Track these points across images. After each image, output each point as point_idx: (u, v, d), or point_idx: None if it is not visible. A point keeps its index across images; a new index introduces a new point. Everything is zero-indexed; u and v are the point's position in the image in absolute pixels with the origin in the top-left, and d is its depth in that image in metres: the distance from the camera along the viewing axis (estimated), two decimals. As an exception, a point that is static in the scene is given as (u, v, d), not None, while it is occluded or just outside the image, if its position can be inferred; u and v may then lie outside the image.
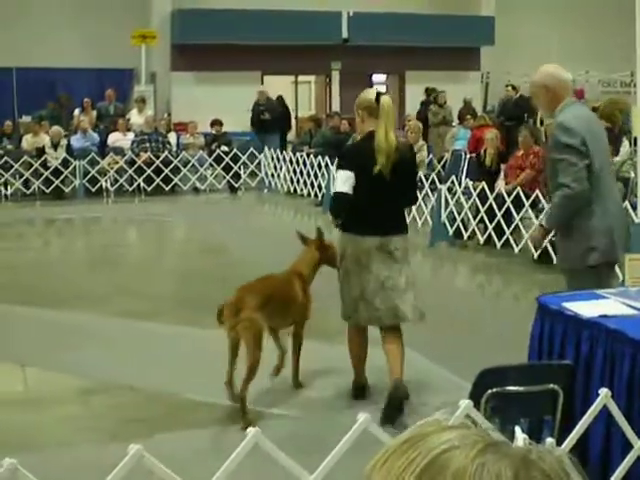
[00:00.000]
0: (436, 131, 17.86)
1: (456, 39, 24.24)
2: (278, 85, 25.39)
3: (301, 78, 26.61)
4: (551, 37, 23.00)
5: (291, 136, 24.57)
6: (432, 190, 12.45)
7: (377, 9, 23.43)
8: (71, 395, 5.93)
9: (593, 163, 4.99)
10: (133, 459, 3.09)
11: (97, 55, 21.97)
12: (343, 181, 5.33)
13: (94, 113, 18.74)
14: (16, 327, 7.55)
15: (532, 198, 10.47)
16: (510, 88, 19.55)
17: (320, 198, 14.97)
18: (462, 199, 11.66)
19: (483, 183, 11.27)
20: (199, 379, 6.12)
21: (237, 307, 5.45)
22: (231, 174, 17.17)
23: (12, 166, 16.19)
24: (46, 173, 16.09)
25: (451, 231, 11.59)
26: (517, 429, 3.06)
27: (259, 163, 17.54)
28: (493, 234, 11.05)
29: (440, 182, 12.50)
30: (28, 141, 16.87)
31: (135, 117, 18.12)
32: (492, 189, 11.17)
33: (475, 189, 11.34)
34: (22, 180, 16.35)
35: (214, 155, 17.24)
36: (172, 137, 18.15)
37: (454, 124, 17.99)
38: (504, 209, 10.79)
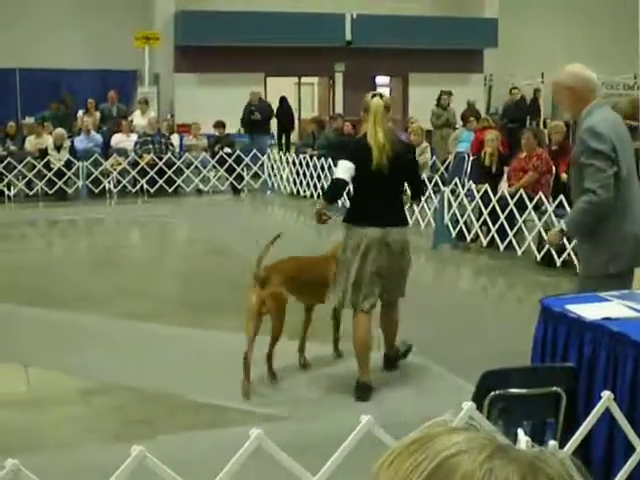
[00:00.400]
0: (439, 133, 17.86)
1: (459, 41, 24.25)
2: (281, 87, 25.41)
3: (304, 80, 26.63)
4: (554, 39, 23.04)
5: (294, 137, 24.60)
6: (435, 192, 12.45)
7: (380, 11, 23.46)
8: (74, 396, 5.93)
9: (621, 169, 4.88)
10: (136, 460, 3.09)
11: (100, 56, 22.01)
12: (343, 170, 5.77)
13: (97, 114, 18.76)
14: (19, 328, 7.56)
15: (535, 200, 10.47)
16: (516, 91, 19.55)
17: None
18: (465, 201, 11.66)
19: (486, 185, 11.27)
20: (202, 380, 6.12)
21: (265, 281, 6.03)
22: (234, 176, 17.18)
23: (15, 167, 16.21)
24: (49, 174, 16.10)
25: (454, 233, 11.59)
26: (520, 431, 3.06)
27: (262, 164, 17.55)
28: (496, 236, 11.05)
29: (443, 184, 12.49)
30: (31, 142, 16.89)
31: (138, 118, 18.14)
32: (495, 191, 11.16)
33: (478, 191, 11.34)
34: (25, 181, 16.37)
35: (217, 157, 17.25)
36: (175, 139, 18.17)
37: (457, 126, 17.99)
38: (507, 211, 10.79)
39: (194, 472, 4.48)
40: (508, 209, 10.76)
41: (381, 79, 26.18)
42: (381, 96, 5.87)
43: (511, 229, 10.77)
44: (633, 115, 11.06)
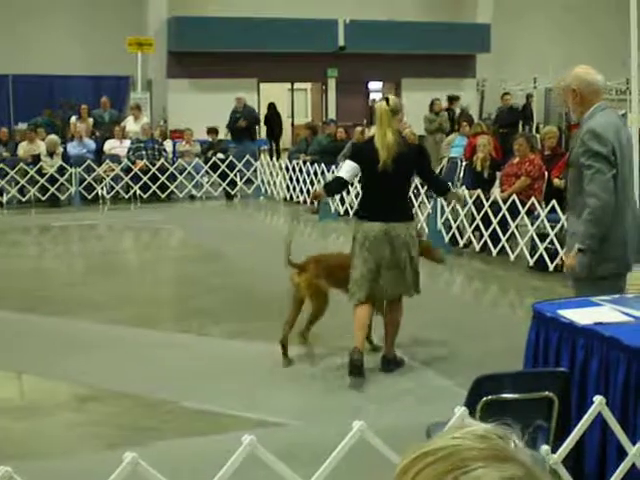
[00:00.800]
0: (432, 139, 17.89)
1: (452, 47, 24.31)
2: (274, 92, 25.44)
3: (297, 85, 26.66)
4: (547, 45, 23.10)
5: (286, 143, 24.61)
6: (428, 197, 12.47)
7: (373, 17, 23.50)
8: (68, 403, 5.92)
9: (618, 172, 4.91)
10: (128, 467, 3.09)
11: (93, 62, 22.01)
12: (346, 169, 6.29)
13: (90, 120, 18.74)
14: (12, 334, 7.54)
15: (527, 205, 10.49)
16: (508, 97, 19.59)
17: (316, 206, 14.98)
18: (458, 206, 11.68)
19: (479, 191, 11.29)
20: (196, 387, 6.12)
21: (303, 269, 6.67)
22: (227, 181, 17.18)
23: (8, 173, 16.19)
24: (42, 180, 16.09)
25: (447, 238, 11.61)
26: (513, 436, 3.06)
27: (255, 170, 17.55)
28: (489, 241, 11.07)
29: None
30: (24, 148, 16.86)
31: (131, 124, 18.13)
32: (488, 196, 11.19)
33: (471, 196, 11.35)
34: (18, 187, 16.34)
35: (210, 162, 17.25)
36: (168, 144, 18.16)
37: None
38: (500, 216, 10.81)
39: (187, 478, 4.48)
40: (501, 214, 10.78)
41: (374, 84, 26.23)
42: (387, 100, 6.19)
43: (504, 234, 10.79)
44: None
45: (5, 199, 16.32)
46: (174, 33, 22.63)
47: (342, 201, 14.49)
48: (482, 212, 11.10)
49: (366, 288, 6.19)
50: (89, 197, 16.45)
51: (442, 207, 11.73)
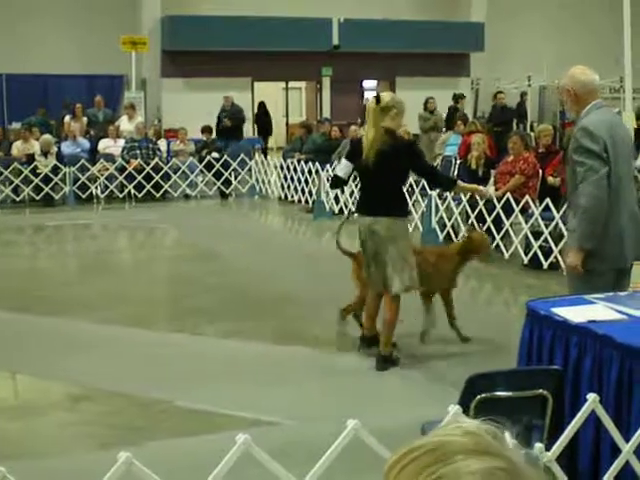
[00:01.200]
0: (427, 137, 17.89)
1: (446, 45, 24.32)
2: (269, 91, 25.43)
3: (292, 84, 26.65)
4: (541, 43, 23.13)
5: (280, 141, 24.61)
6: (422, 196, 12.48)
7: (367, 15, 23.50)
8: (62, 402, 5.91)
9: (612, 170, 4.96)
10: (123, 467, 3.09)
11: (88, 61, 21.98)
12: (340, 167, 6.59)
13: (84, 119, 18.71)
14: (6, 334, 7.53)
15: (522, 204, 10.50)
16: (501, 95, 19.60)
17: (311, 204, 14.98)
18: (452, 205, 11.69)
19: (473, 189, 11.29)
20: (190, 386, 6.11)
21: (354, 259, 6.88)
22: (222, 180, 17.17)
23: (2, 173, 16.16)
24: (36, 180, 16.06)
25: (441, 237, 11.61)
26: (507, 434, 3.07)
27: (250, 169, 17.54)
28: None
29: (430, 188, 12.51)
30: (18, 148, 16.82)
31: (125, 124, 18.10)
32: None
33: (465, 195, 11.36)
34: (12, 187, 16.31)
35: (205, 161, 17.24)
36: (162, 144, 18.13)
37: (444, 129, 18.04)
38: (494, 215, 10.82)
39: (181, 478, 4.48)
40: (495, 212, 10.79)
41: (368, 83, 26.23)
42: (377, 98, 6.33)
43: (498, 232, 10.80)
44: None
45: (-1, 199, 16.29)
46: (168, 32, 22.61)
47: (337, 200, 14.49)
48: (476, 210, 11.11)
49: (368, 279, 6.49)
50: (83, 196, 16.43)
51: (436, 205, 11.74)
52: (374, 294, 6.58)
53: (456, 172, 13.01)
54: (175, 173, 16.95)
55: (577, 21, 25.74)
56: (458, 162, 13.21)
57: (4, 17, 21.65)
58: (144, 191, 16.52)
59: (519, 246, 10.45)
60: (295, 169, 16.10)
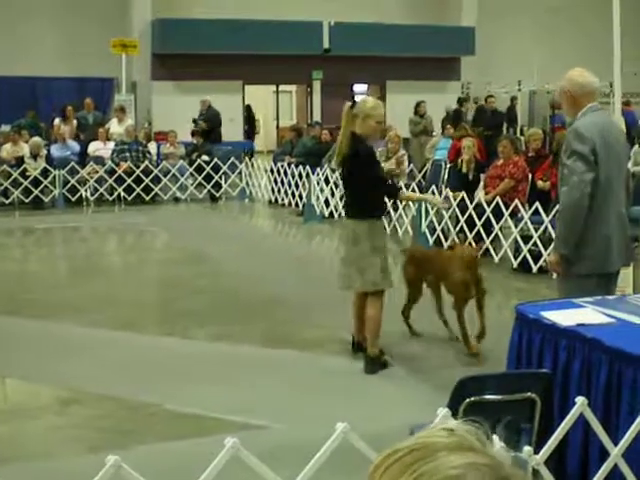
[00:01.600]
0: (417, 141, 17.93)
1: (437, 49, 24.38)
2: (259, 94, 25.44)
3: (282, 88, 26.67)
4: (531, 48, 23.18)
5: (266, 145, 24.59)
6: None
7: (358, 19, 23.53)
8: (51, 406, 5.89)
9: (599, 172, 4.93)
10: (111, 470, 3.08)
11: (78, 64, 21.94)
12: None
13: (74, 122, 18.67)
14: (-5, 337, 7.50)
15: (511, 208, 10.52)
16: (492, 100, 19.64)
17: (301, 208, 14.98)
18: (443, 209, 11.70)
19: (463, 193, 11.32)
20: (179, 390, 6.10)
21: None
22: (212, 184, 17.15)
23: (-9, 175, 16.11)
24: (25, 183, 16.01)
25: (431, 240, 11.63)
26: (495, 438, 3.07)
27: (240, 172, 17.53)
28: (473, 243, 11.08)
29: (421, 192, 12.54)
30: (7, 150, 16.77)
31: (115, 126, 18.07)
32: (472, 199, 11.21)
33: (455, 199, 11.38)
34: (1, 190, 16.25)
35: (195, 165, 17.22)
36: (152, 146, 18.10)
37: (434, 134, 18.07)
38: (484, 218, 10.84)
39: (170, 481, 4.47)
40: (485, 216, 10.81)
41: (359, 87, 26.26)
42: (353, 103, 6.46)
43: (488, 236, 10.82)
44: None
45: (-12, 201, 16.22)
46: (159, 35, 22.59)
47: (327, 203, 14.50)
48: (466, 214, 11.13)
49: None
50: (73, 199, 16.38)
51: (426, 209, 11.75)
52: (358, 295, 6.67)
53: (446, 176, 13.03)
54: (165, 176, 16.93)
55: (567, 26, 25.82)
56: (448, 166, 13.22)
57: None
58: (134, 194, 16.49)
59: (509, 250, 10.47)
60: (285, 172, 16.10)
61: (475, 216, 10.96)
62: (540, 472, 3.53)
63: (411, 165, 15.09)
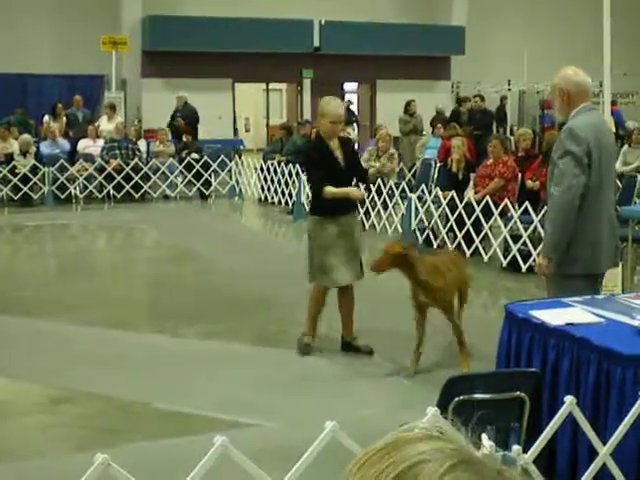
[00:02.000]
0: (407, 140, 17.94)
1: (427, 48, 24.40)
2: (250, 92, 25.41)
3: (272, 86, 26.65)
4: (521, 47, 23.21)
5: (255, 144, 24.57)
6: (402, 199, 12.51)
7: (348, 18, 23.53)
8: (40, 404, 5.88)
9: (592, 173, 4.87)
10: (99, 468, 3.07)
11: (67, 61, 21.87)
12: None
13: (64, 119, 18.62)
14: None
15: (501, 207, 10.55)
16: (479, 99, 19.67)
17: (291, 206, 14.97)
18: (432, 208, 11.72)
19: (452, 192, 11.34)
20: (169, 388, 6.09)
21: None
22: (201, 182, 17.13)
23: (-20, 172, 16.04)
24: (14, 180, 15.96)
25: (421, 239, 11.64)
26: (484, 437, 3.08)
27: (230, 170, 17.51)
28: (462, 242, 11.11)
29: (410, 191, 12.55)
30: (-4, 147, 16.71)
31: (105, 124, 18.02)
32: (461, 198, 11.23)
33: (445, 198, 11.40)
34: (-10, 187, 16.20)
35: (184, 162, 17.19)
36: (142, 144, 18.06)
37: (424, 133, 18.08)
38: (473, 218, 10.86)
39: (160, 480, 4.46)
40: (474, 215, 10.83)
41: (349, 85, 26.27)
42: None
43: (477, 235, 10.84)
44: None
45: (-23, 198, 16.16)
46: (149, 32, 22.54)
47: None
48: (456, 213, 11.14)
49: None
50: (62, 197, 16.33)
51: (416, 208, 11.77)
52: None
53: (436, 175, 13.05)
54: (155, 174, 16.89)
55: (558, 26, 25.88)
56: (438, 165, 13.25)
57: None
58: (123, 192, 16.45)
59: (498, 249, 10.49)
60: (275, 171, 16.09)
61: (465, 215, 10.98)
62: (529, 471, 3.55)
63: (401, 164, 15.10)
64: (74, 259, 11.58)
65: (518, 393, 3.65)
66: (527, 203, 10.21)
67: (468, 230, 10.96)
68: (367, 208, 13.18)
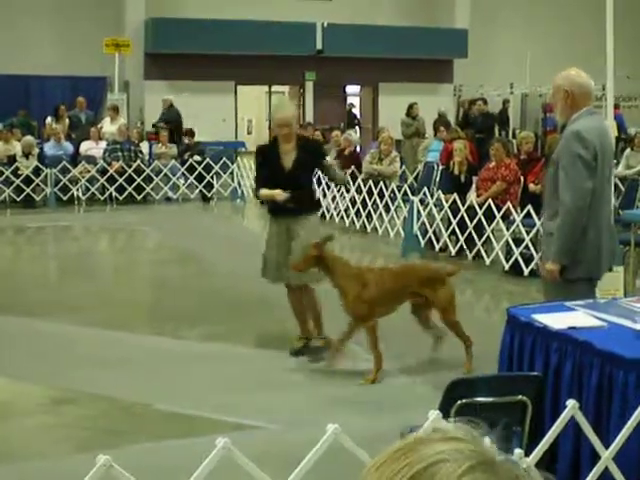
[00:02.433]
0: (409, 143, 17.93)
1: (429, 51, 24.39)
2: (252, 95, 25.41)
3: (275, 88, 26.63)
4: (523, 51, 23.22)
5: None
6: (404, 202, 12.50)
7: (351, 21, 23.54)
8: (42, 405, 5.88)
9: (597, 177, 4.87)
10: (102, 469, 3.08)
11: (70, 63, 21.88)
12: None
13: (67, 121, 18.63)
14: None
15: (503, 210, 10.54)
16: (482, 103, 19.66)
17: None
18: (434, 211, 11.72)
19: (455, 195, 11.34)
20: (171, 390, 6.09)
21: None
22: (204, 184, 17.13)
23: (-17, 174, 16.05)
24: (17, 181, 15.96)
25: (423, 242, 11.64)
26: (486, 440, 3.08)
27: (232, 173, 17.51)
28: (464, 246, 11.11)
29: (412, 194, 12.55)
30: (-1, 149, 16.72)
31: (107, 126, 18.03)
32: (464, 201, 11.23)
33: (447, 201, 11.39)
34: (-7, 188, 16.20)
35: (187, 164, 17.20)
36: (144, 146, 18.07)
37: (426, 136, 18.08)
38: (475, 221, 10.85)
39: (161, 481, 4.46)
40: (476, 219, 10.83)
41: (351, 88, 26.27)
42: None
43: (479, 238, 10.84)
44: None
45: (-21, 200, 16.16)
46: (152, 34, 22.56)
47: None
48: (458, 216, 11.14)
49: None
50: (64, 198, 16.33)
51: (418, 211, 11.76)
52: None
53: (438, 178, 13.05)
54: (157, 176, 16.90)
55: (560, 29, 25.87)
56: (440, 168, 13.24)
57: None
58: (126, 193, 16.46)
59: (500, 252, 10.48)
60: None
61: (467, 218, 10.97)
62: (531, 474, 3.54)
63: (403, 167, 15.10)
64: (76, 261, 11.58)
65: (520, 397, 3.65)
66: (529, 206, 10.20)
67: (470, 233, 10.95)
68: (369, 211, 13.19)
